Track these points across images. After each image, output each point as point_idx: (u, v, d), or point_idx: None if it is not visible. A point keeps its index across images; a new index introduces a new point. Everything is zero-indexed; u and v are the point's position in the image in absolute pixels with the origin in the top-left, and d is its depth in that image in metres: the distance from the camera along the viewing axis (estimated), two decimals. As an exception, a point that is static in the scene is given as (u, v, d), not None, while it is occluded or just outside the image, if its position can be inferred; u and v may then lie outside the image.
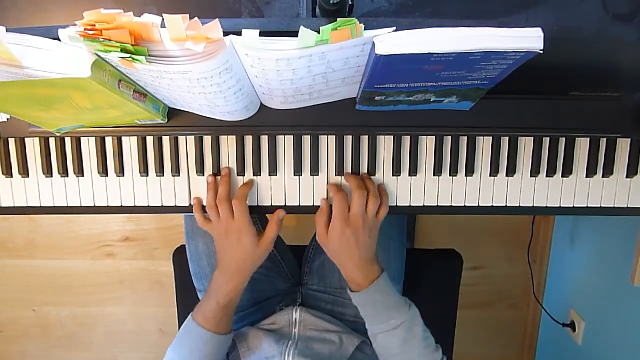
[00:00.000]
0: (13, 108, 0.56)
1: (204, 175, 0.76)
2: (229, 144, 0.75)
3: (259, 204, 0.77)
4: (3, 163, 0.76)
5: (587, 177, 0.77)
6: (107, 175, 0.76)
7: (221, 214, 0.73)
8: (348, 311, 0.94)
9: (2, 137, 0.74)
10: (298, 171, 0.76)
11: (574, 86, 0.70)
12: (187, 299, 1.09)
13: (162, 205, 0.77)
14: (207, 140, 0.75)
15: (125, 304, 1.77)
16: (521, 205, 0.78)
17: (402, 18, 0.57)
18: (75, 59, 0.46)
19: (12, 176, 0.76)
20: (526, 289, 1.67)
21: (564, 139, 0.76)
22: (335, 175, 0.76)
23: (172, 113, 0.70)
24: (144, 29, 0.44)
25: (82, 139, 0.75)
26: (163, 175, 0.76)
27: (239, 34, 0.46)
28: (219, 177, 0.75)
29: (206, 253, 0.94)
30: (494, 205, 0.78)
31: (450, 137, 0.75)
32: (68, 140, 0.75)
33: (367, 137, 0.75)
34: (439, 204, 0.78)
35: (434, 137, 0.75)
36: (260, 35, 0.46)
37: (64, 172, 0.76)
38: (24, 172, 0.76)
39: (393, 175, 0.76)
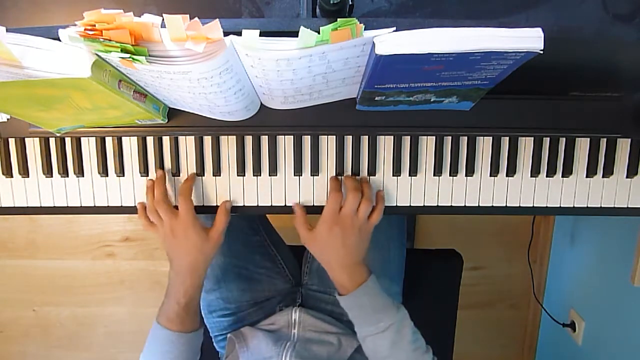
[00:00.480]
0: (13, 108, 0.56)
1: (204, 175, 0.76)
2: (229, 144, 0.75)
3: (259, 204, 0.77)
4: (3, 163, 0.76)
5: (587, 177, 0.77)
6: (107, 175, 0.76)
7: (162, 215, 0.72)
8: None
9: (2, 137, 0.74)
10: (298, 171, 0.76)
11: (574, 86, 0.70)
12: (187, 299, 1.09)
13: (162, 205, 0.77)
14: (207, 140, 0.75)
15: (125, 304, 1.77)
16: (521, 205, 0.78)
17: (402, 18, 0.57)
18: (75, 59, 0.46)
19: (12, 176, 0.76)
20: (526, 289, 1.67)
21: (564, 139, 0.76)
22: (335, 175, 0.76)
23: (172, 113, 0.70)
24: (144, 29, 0.44)
25: (82, 139, 0.75)
26: (163, 175, 0.76)
27: (239, 34, 0.46)
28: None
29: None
30: (494, 205, 0.78)
31: (450, 137, 0.75)
32: (68, 140, 0.75)
33: (367, 137, 0.75)
34: (439, 204, 0.78)
35: (434, 137, 0.75)
36: (260, 35, 0.46)
37: (64, 172, 0.76)
38: (24, 172, 0.76)
39: (393, 175, 0.76)
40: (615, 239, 1.23)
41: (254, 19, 0.58)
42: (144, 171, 0.75)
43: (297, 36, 0.45)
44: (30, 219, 1.70)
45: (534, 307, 1.70)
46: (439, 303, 1.07)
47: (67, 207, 0.77)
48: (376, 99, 0.61)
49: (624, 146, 0.76)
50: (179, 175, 0.76)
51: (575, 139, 0.76)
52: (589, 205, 0.78)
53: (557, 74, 0.65)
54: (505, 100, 0.71)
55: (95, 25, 0.43)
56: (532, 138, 0.76)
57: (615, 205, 0.78)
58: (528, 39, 0.45)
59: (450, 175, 0.76)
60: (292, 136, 0.75)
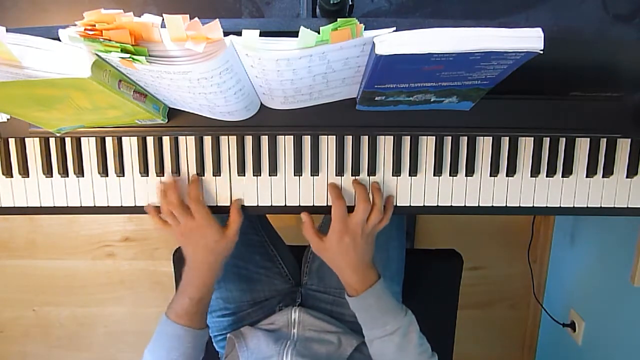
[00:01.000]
0: (13, 108, 0.56)
1: (204, 175, 0.76)
2: (229, 144, 0.75)
3: (259, 204, 0.77)
4: (3, 163, 0.76)
5: (587, 177, 0.77)
6: (107, 175, 0.76)
7: (178, 216, 0.73)
8: (347, 311, 0.94)
9: (2, 137, 0.74)
10: (298, 171, 0.76)
11: (574, 86, 0.70)
12: (187, 299, 1.09)
13: (162, 205, 0.77)
14: (207, 140, 0.75)
15: (125, 304, 1.77)
16: (521, 205, 0.78)
17: (402, 18, 0.57)
18: (75, 59, 0.46)
19: (12, 176, 0.76)
20: (526, 289, 1.67)
21: (564, 139, 0.76)
22: (335, 175, 0.76)
23: (172, 113, 0.70)
24: (144, 29, 0.44)
25: (82, 139, 0.75)
26: (163, 175, 0.76)
27: (239, 34, 0.46)
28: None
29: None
30: (494, 205, 0.78)
31: (450, 137, 0.75)
32: (68, 140, 0.75)
33: (367, 137, 0.75)
34: (439, 204, 0.78)
35: (434, 137, 0.75)
36: (260, 35, 0.46)
37: (64, 172, 0.76)
38: (24, 172, 0.76)
39: (393, 175, 0.76)
40: (615, 239, 1.23)
41: (254, 19, 0.58)
42: (144, 171, 0.75)
43: (297, 36, 0.45)
44: (30, 219, 1.70)
45: (534, 307, 1.70)
46: (439, 303, 1.07)
47: (67, 207, 0.77)
48: (376, 99, 0.61)
49: (624, 146, 0.76)
50: (179, 175, 0.76)
51: (575, 139, 0.76)
52: (589, 205, 0.78)
53: (557, 74, 0.65)
54: (505, 100, 0.71)
55: (95, 25, 0.43)
56: (532, 138, 0.76)
57: (615, 205, 0.78)
58: (528, 39, 0.45)
59: (450, 175, 0.76)
60: (292, 136, 0.75)
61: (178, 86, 0.53)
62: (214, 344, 0.99)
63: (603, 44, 0.60)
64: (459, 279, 1.09)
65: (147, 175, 0.76)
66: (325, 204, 0.77)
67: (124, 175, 0.76)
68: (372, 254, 0.76)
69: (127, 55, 0.44)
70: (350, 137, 0.75)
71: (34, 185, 0.77)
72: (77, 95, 0.52)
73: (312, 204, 0.77)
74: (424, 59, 0.46)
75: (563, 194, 0.77)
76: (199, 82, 0.51)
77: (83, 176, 0.76)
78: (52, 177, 0.76)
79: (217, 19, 0.43)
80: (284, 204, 0.77)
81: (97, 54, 0.46)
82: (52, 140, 0.75)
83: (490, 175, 0.77)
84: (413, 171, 0.76)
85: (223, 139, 0.75)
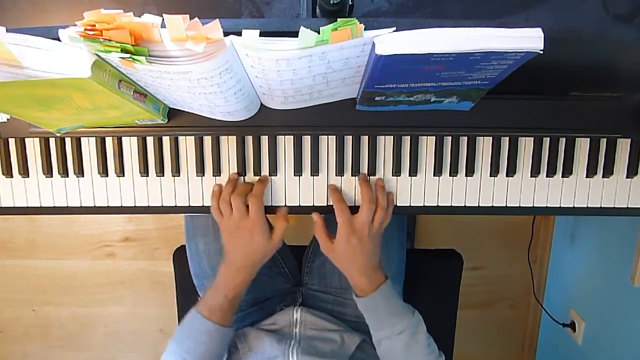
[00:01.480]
0: (13, 108, 0.56)
1: (204, 175, 0.76)
2: (229, 144, 0.75)
3: (259, 204, 0.77)
4: (3, 163, 0.76)
5: (587, 177, 0.77)
6: (107, 176, 0.76)
7: (234, 210, 0.73)
8: (348, 311, 0.94)
9: (2, 137, 0.74)
10: (298, 171, 0.76)
11: (574, 86, 0.70)
12: (187, 299, 1.09)
13: (162, 205, 0.77)
14: (207, 140, 0.75)
15: (125, 304, 1.77)
16: (521, 205, 0.78)
17: (402, 18, 0.57)
18: (75, 59, 0.46)
19: (12, 176, 0.76)
20: (526, 289, 1.67)
21: (564, 139, 0.76)
22: (335, 175, 0.76)
23: (172, 113, 0.70)
24: (144, 29, 0.44)
25: (82, 139, 0.75)
26: (163, 176, 0.76)
27: (239, 34, 0.46)
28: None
29: (206, 253, 0.93)
30: (494, 205, 0.78)
31: (450, 137, 0.75)
32: (68, 140, 0.75)
33: (367, 137, 0.75)
34: (439, 204, 0.78)
35: (434, 137, 0.75)
36: (260, 35, 0.46)
37: (64, 172, 0.76)
38: (24, 172, 0.76)
39: (393, 175, 0.76)
40: (615, 239, 1.23)
41: (254, 19, 0.58)
42: (144, 171, 0.75)
43: (297, 36, 0.45)
44: (30, 219, 1.70)
45: (534, 307, 1.70)
46: (439, 303, 1.07)
47: (67, 207, 0.77)
48: (376, 99, 0.61)
49: (624, 146, 0.76)
50: (179, 175, 0.76)
51: (575, 139, 0.76)
52: (589, 205, 0.78)
53: (557, 74, 0.65)
54: (505, 100, 0.71)
55: (95, 26, 0.43)
56: (532, 138, 0.76)
57: (615, 205, 0.78)
58: (528, 39, 0.45)
59: (450, 175, 0.76)
60: (292, 136, 0.75)
61: (178, 86, 0.53)
62: (214, 344, 0.98)
63: (603, 44, 0.60)
64: (459, 279, 1.09)
65: (147, 176, 0.76)
66: (326, 204, 0.77)
67: (124, 176, 0.76)
68: (379, 255, 0.76)
69: (127, 55, 0.44)
70: (350, 137, 0.75)
71: (34, 185, 0.77)
72: (77, 95, 0.52)
73: (312, 204, 0.77)
74: (424, 59, 0.46)
75: (563, 194, 0.77)
76: (199, 82, 0.51)
77: (83, 176, 0.76)
78: (52, 177, 0.76)
79: (217, 19, 0.43)
80: (284, 204, 0.77)
81: (97, 54, 0.46)
82: (52, 140, 0.75)
83: (490, 175, 0.77)
84: (413, 171, 0.76)
85: (223, 139, 0.75)
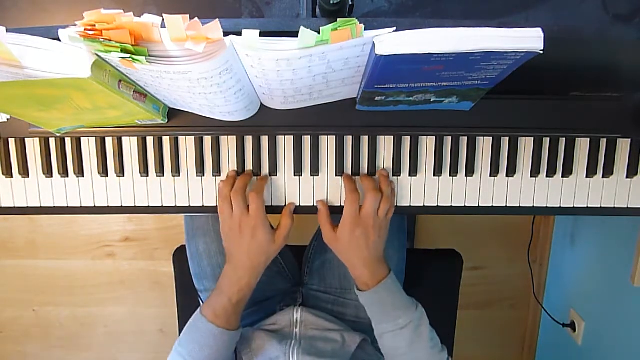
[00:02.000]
0: (13, 108, 0.56)
1: (204, 175, 0.76)
2: (229, 144, 0.75)
3: (259, 204, 0.77)
4: (3, 163, 0.76)
5: (587, 177, 0.77)
6: (107, 176, 0.76)
7: (234, 208, 0.71)
8: (348, 311, 0.94)
9: (2, 137, 0.74)
10: (298, 171, 0.76)
11: (574, 86, 0.70)
12: (187, 299, 1.09)
13: (162, 205, 0.77)
14: (207, 140, 0.75)
15: (125, 304, 1.77)
16: (521, 205, 0.78)
17: (402, 18, 0.57)
18: (75, 59, 0.46)
19: (12, 176, 0.76)
20: (526, 289, 1.67)
21: (564, 139, 0.76)
22: (335, 175, 0.76)
23: (172, 113, 0.70)
24: (144, 29, 0.44)
25: (82, 139, 0.75)
26: (163, 176, 0.76)
27: (239, 34, 0.46)
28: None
29: (206, 253, 0.93)
30: (494, 205, 0.78)
31: (450, 137, 0.75)
32: (68, 140, 0.75)
33: (367, 137, 0.75)
34: (439, 204, 0.77)
35: (434, 137, 0.75)
36: (260, 35, 0.46)
37: (64, 172, 0.76)
38: (24, 172, 0.76)
39: (393, 175, 0.76)
40: (615, 239, 1.23)
41: (254, 19, 0.58)
42: (144, 171, 0.75)
43: (297, 36, 0.45)
44: (30, 219, 1.70)
45: (534, 307, 1.70)
46: (439, 303, 1.07)
47: (67, 207, 0.77)
48: (376, 99, 0.61)
49: (624, 146, 0.76)
50: (179, 175, 0.76)
51: (575, 139, 0.76)
52: (589, 206, 0.78)
53: (557, 74, 0.65)
54: (505, 100, 0.71)
55: (95, 26, 0.43)
56: (532, 138, 0.76)
57: (615, 205, 0.78)
58: (528, 39, 0.45)
59: (450, 176, 0.76)
60: (292, 136, 0.75)
61: (178, 86, 0.53)
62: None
63: (603, 44, 0.60)
64: (459, 279, 1.09)
65: (147, 176, 0.76)
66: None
67: (124, 176, 0.76)
68: (383, 248, 0.75)
69: (127, 55, 0.44)
70: (350, 137, 0.75)
71: (34, 185, 0.77)
72: (77, 95, 0.52)
73: (312, 204, 0.77)
74: (424, 59, 0.46)
75: (563, 194, 0.77)
76: (199, 82, 0.51)
77: (83, 176, 0.76)
78: (52, 177, 0.76)
79: (217, 19, 0.43)
80: (284, 204, 0.77)
81: (97, 54, 0.46)
82: (52, 140, 0.75)
83: (490, 176, 0.77)
84: (413, 171, 0.76)
85: (223, 139, 0.75)
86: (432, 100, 0.62)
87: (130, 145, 0.75)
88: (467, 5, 0.58)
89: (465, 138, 0.75)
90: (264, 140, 0.75)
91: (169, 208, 0.77)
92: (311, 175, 0.76)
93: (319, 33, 0.45)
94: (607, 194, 0.77)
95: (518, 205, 0.78)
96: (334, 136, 0.75)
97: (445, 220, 1.66)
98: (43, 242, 1.72)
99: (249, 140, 0.75)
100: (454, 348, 1.11)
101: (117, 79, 0.52)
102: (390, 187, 0.74)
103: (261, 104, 0.68)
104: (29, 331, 1.81)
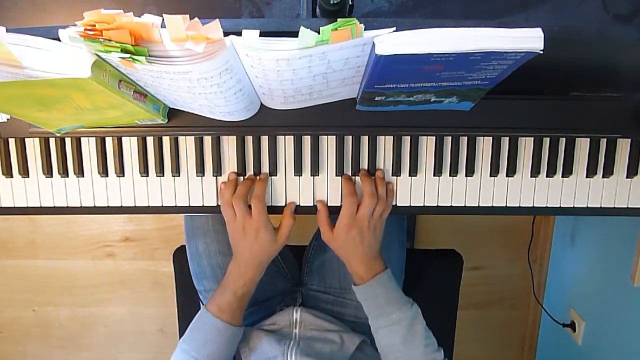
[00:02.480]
0: (13, 108, 0.56)
1: (204, 175, 0.76)
2: (229, 144, 0.75)
3: (259, 204, 0.77)
4: (3, 163, 0.76)
5: (587, 177, 0.77)
6: (107, 176, 0.76)
7: (237, 212, 0.73)
8: (348, 311, 0.94)
9: (2, 137, 0.74)
10: (298, 171, 0.76)
11: (574, 86, 0.70)
12: (187, 299, 1.09)
13: (162, 205, 0.77)
14: (207, 140, 0.75)
15: (125, 304, 1.77)
16: (521, 205, 0.78)
17: (402, 18, 0.57)
18: (75, 59, 0.46)
19: (12, 176, 0.76)
20: (526, 289, 1.67)
21: (564, 139, 0.76)
22: (335, 175, 0.76)
23: (172, 113, 0.70)
24: (144, 29, 0.44)
25: (82, 139, 0.75)
26: (163, 176, 0.76)
27: (239, 34, 0.46)
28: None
29: (206, 253, 0.93)
30: (494, 205, 0.78)
31: (450, 137, 0.75)
32: (68, 140, 0.75)
33: (367, 137, 0.75)
34: (439, 204, 0.78)
35: (434, 137, 0.75)
36: (260, 35, 0.46)
37: (64, 172, 0.76)
38: (24, 172, 0.76)
39: (393, 175, 0.76)
40: (615, 239, 1.23)
41: (254, 19, 0.58)
42: (144, 171, 0.75)
43: (297, 36, 0.45)
44: (30, 219, 1.70)
45: (534, 307, 1.70)
46: (439, 303, 1.07)
47: (67, 207, 0.77)
48: (376, 99, 0.61)
49: (624, 146, 0.76)
50: (179, 176, 0.76)
51: (575, 139, 0.76)
52: (589, 205, 0.78)
53: (557, 74, 0.65)
54: (505, 100, 0.71)
55: (95, 26, 0.43)
56: (532, 138, 0.76)
57: (615, 205, 0.78)
58: (528, 39, 0.45)
59: (450, 176, 0.76)
60: (292, 136, 0.75)
61: (178, 86, 0.53)
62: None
63: (603, 44, 0.60)
64: (459, 279, 1.09)
65: (147, 176, 0.76)
66: (326, 204, 0.77)
67: (124, 176, 0.76)
68: (378, 245, 0.77)
69: (127, 55, 0.44)
70: (350, 137, 0.75)
71: (34, 185, 0.77)
72: (77, 95, 0.52)
73: (312, 204, 0.77)
74: (424, 59, 0.46)
75: (563, 194, 0.77)
76: (199, 82, 0.51)
77: (83, 176, 0.76)
78: (52, 177, 0.76)
79: (217, 19, 0.43)
80: (284, 204, 0.77)
81: (97, 54, 0.46)
82: (52, 140, 0.75)
83: (490, 176, 0.77)
84: (413, 171, 0.76)
85: (223, 139, 0.75)
86: (432, 100, 0.62)
87: (130, 145, 0.75)
88: (467, 5, 0.58)
89: (465, 138, 0.75)
90: (264, 140, 0.75)
91: (169, 208, 0.77)
92: (311, 175, 0.76)
93: (319, 33, 0.45)
94: (607, 194, 0.77)
95: (518, 205, 0.78)
96: (334, 136, 0.75)
97: (445, 220, 1.66)
98: (43, 242, 1.72)
99: (249, 140, 0.75)
100: (454, 348, 1.11)
101: (117, 79, 0.52)
102: (385, 189, 0.75)
103: (261, 104, 0.68)
104: (29, 331, 1.81)
